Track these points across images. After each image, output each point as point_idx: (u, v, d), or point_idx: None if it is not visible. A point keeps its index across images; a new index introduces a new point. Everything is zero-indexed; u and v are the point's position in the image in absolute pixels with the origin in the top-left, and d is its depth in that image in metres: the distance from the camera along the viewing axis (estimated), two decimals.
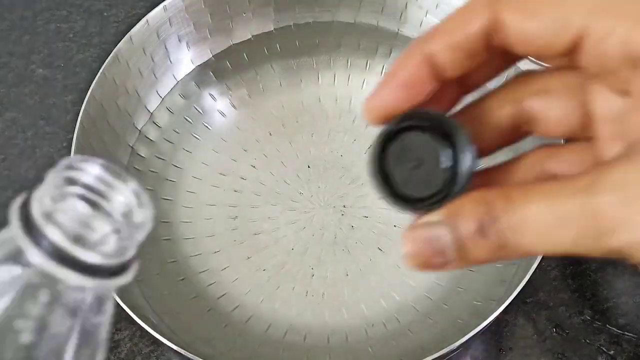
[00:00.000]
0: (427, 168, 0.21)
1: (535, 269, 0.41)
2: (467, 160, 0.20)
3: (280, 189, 0.50)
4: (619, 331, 0.45)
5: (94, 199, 0.17)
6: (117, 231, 0.17)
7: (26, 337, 0.17)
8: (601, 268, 0.47)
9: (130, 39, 0.49)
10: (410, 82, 0.21)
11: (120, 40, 0.48)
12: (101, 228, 0.17)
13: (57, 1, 0.62)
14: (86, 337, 0.18)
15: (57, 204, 0.17)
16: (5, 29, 0.61)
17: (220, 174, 0.51)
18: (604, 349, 0.45)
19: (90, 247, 0.17)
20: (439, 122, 0.21)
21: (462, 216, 0.20)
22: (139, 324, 0.40)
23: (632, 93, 0.20)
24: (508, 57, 0.22)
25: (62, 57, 0.59)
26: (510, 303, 0.40)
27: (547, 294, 0.47)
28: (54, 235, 0.17)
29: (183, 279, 0.48)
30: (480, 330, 0.39)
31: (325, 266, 0.47)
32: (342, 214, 0.49)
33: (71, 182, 0.17)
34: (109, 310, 0.18)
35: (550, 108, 0.22)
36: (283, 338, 0.45)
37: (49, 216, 0.17)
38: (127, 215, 0.17)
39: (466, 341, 0.39)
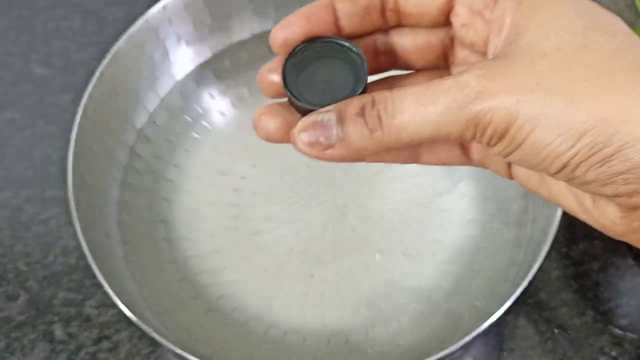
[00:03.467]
0: (332, 86, 0.26)
1: (537, 269, 0.41)
2: (362, 75, 0.26)
3: (279, 188, 0.50)
4: (621, 332, 0.45)
5: None
6: None
7: None
8: (603, 269, 0.47)
9: (129, 38, 0.49)
10: (310, 16, 0.26)
11: (119, 39, 0.48)
12: None
13: (56, 0, 0.61)
14: None
15: None
16: (4, 28, 0.60)
17: (220, 173, 0.51)
18: (606, 350, 0.45)
19: None
20: (338, 45, 0.26)
21: (349, 103, 0.24)
22: (138, 325, 0.40)
23: (490, 20, 0.25)
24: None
25: (60, 56, 0.59)
26: (511, 304, 0.40)
27: (548, 294, 0.47)
28: None
29: (182, 280, 0.47)
30: (481, 331, 0.39)
31: (326, 266, 0.47)
32: (343, 214, 0.49)
33: None
34: None
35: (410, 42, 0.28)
36: (283, 339, 0.45)
37: None
38: None
39: (467, 342, 0.39)
